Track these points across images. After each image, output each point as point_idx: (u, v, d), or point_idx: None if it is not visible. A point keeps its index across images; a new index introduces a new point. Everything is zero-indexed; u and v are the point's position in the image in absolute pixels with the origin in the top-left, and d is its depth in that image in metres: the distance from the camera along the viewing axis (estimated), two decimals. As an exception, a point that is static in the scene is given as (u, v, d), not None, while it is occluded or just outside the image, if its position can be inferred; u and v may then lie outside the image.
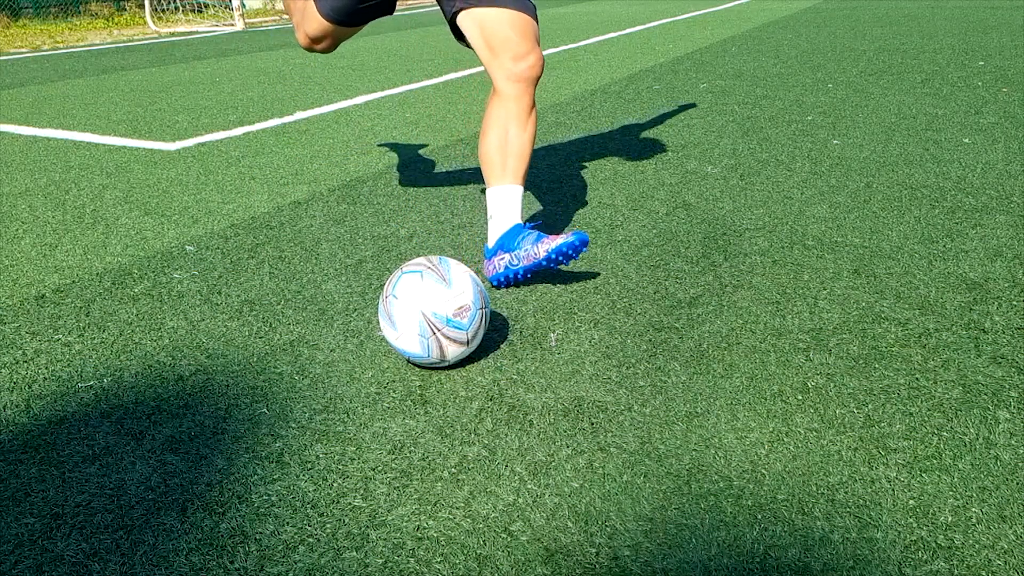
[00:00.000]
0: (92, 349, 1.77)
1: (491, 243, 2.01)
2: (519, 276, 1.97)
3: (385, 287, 1.66)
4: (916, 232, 2.35)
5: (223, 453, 1.39)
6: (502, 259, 1.97)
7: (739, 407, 1.49)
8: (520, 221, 1.99)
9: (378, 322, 1.81)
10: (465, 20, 2.00)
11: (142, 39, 9.13)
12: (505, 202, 1.99)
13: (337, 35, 2.23)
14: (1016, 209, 2.52)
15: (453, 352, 1.61)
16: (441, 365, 1.64)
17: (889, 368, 1.61)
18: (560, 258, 1.89)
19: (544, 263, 1.90)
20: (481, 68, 5.92)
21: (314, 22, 2.18)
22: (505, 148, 1.97)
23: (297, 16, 2.28)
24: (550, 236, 1.92)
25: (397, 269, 1.68)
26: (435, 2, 2.25)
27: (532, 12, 1.99)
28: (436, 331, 1.57)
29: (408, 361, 1.68)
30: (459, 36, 2.10)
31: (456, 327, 1.58)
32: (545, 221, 2.52)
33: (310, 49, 2.29)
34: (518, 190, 1.99)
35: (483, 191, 2.86)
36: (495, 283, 2.01)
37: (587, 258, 2.23)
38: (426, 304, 1.58)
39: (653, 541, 1.17)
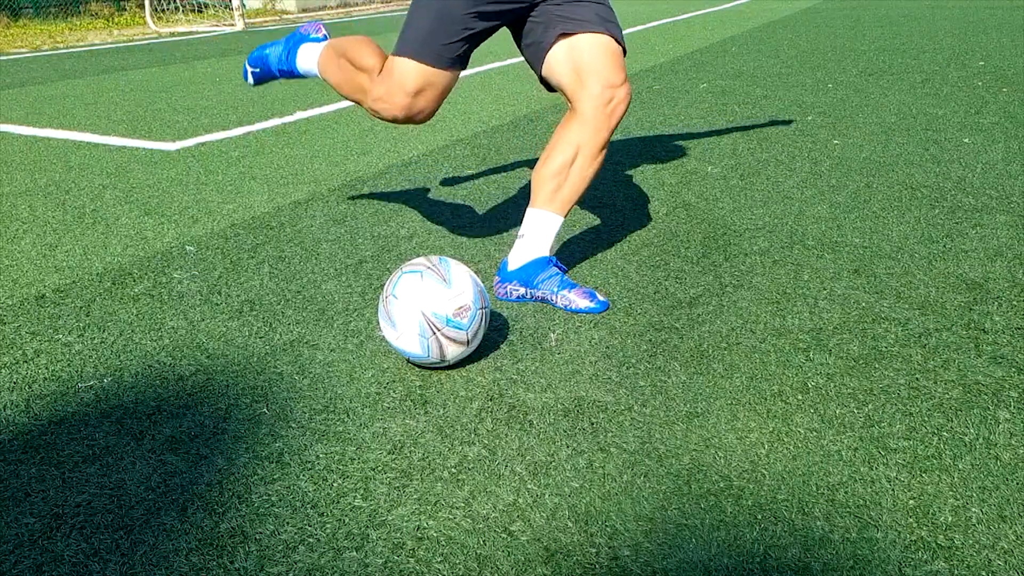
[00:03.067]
0: (92, 349, 1.77)
1: (512, 265, 1.95)
2: (529, 303, 1.96)
3: (385, 287, 1.66)
4: (916, 232, 2.35)
5: (223, 453, 1.39)
6: (516, 289, 1.95)
7: (739, 407, 1.49)
8: (548, 254, 1.94)
9: (378, 322, 1.81)
10: (557, 47, 1.85)
11: (142, 39, 9.13)
12: (542, 230, 1.93)
13: (438, 84, 1.86)
14: (1016, 209, 2.52)
15: (453, 352, 1.61)
16: (441, 365, 1.64)
17: (889, 368, 1.61)
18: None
19: (556, 306, 1.91)
20: (481, 68, 5.91)
21: (406, 74, 1.84)
22: (566, 174, 1.88)
23: (377, 88, 1.90)
24: (574, 291, 1.89)
25: (397, 269, 1.68)
26: (520, 53, 1.98)
27: (620, 37, 1.87)
28: (436, 331, 1.57)
29: (408, 361, 1.68)
30: (546, 83, 1.95)
31: (456, 327, 1.58)
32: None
33: (409, 118, 1.90)
34: (558, 221, 1.93)
35: (483, 191, 2.87)
36: (501, 300, 1.99)
37: (587, 258, 2.23)
38: (426, 304, 1.58)
39: (653, 541, 1.17)
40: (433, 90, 1.86)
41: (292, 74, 2.18)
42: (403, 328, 1.59)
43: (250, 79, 2.30)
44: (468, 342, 1.62)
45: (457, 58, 1.84)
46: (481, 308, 1.64)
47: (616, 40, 1.85)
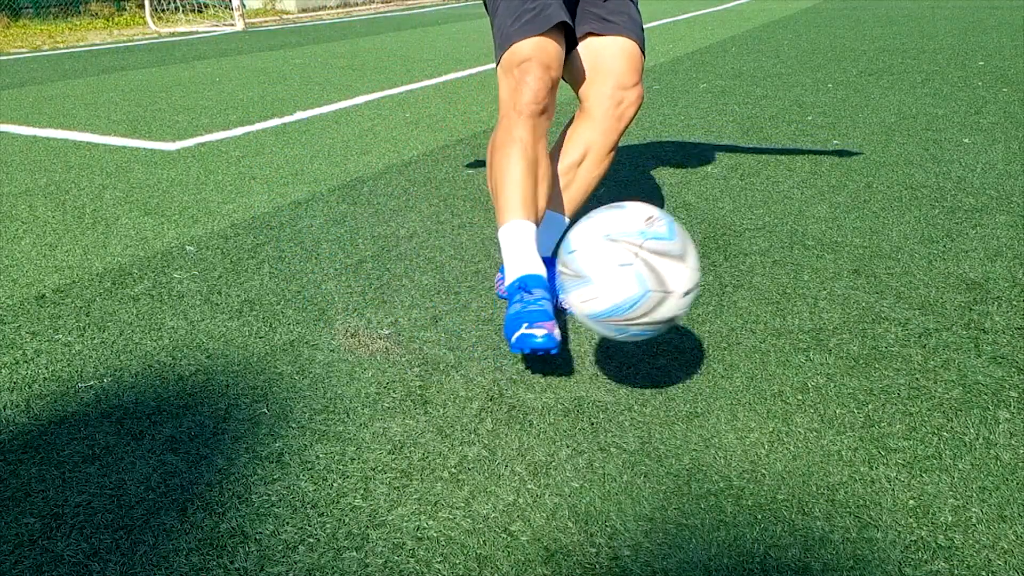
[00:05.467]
0: (92, 349, 1.77)
1: None
2: None
3: (557, 263, 1.42)
4: (916, 232, 2.35)
5: (223, 453, 1.39)
6: None
7: (739, 407, 1.49)
8: (550, 255, 1.90)
9: (567, 313, 1.69)
10: (581, 45, 1.81)
11: (142, 39, 9.13)
12: (546, 230, 1.90)
13: (543, 54, 1.66)
14: (1016, 209, 2.52)
15: (674, 273, 1.27)
16: (663, 307, 1.28)
17: (889, 368, 1.61)
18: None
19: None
20: (480, 68, 5.92)
21: (517, 53, 1.66)
22: (573, 174, 1.86)
23: (508, 83, 1.70)
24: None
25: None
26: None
27: (643, 45, 1.83)
28: (638, 249, 1.26)
29: (622, 325, 1.33)
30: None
31: (657, 237, 1.27)
32: (545, 221, 2.52)
33: (537, 101, 1.65)
34: (564, 222, 1.91)
35: (483, 191, 2.86)
36: (502, 298, 1.99)
37: (587, 258, 2.22)
38: (609, 227, 1.29)
39: (653, 541, 1.17)
40: (544, 64, 1.66)
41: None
42: (599, 272, 1.28)
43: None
44: (683, 256, 1.30)
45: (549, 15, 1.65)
46: (674, 220, 1.36)
47: (638, 45, 1.83)
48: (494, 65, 1.81)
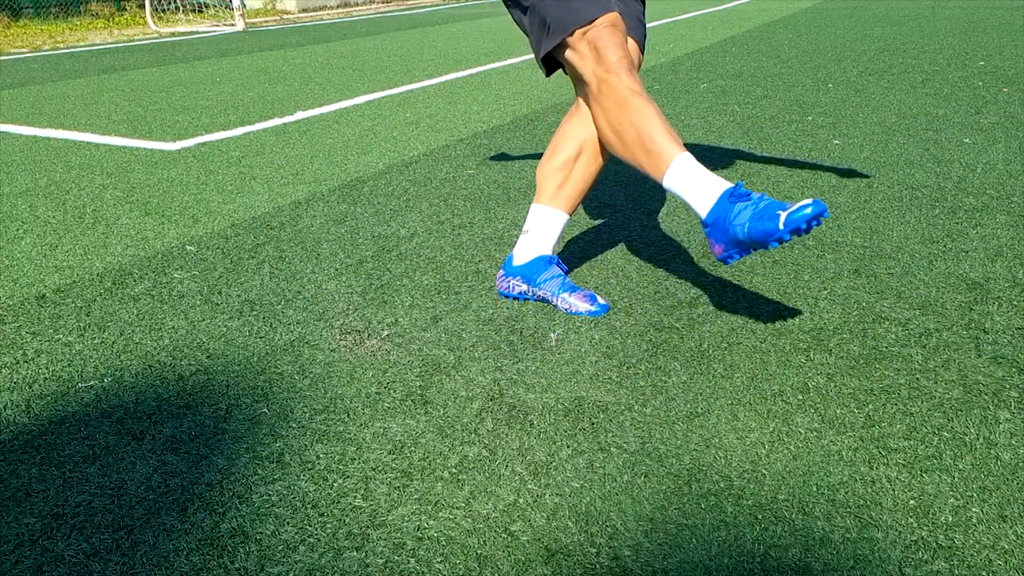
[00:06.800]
0: (92, 349, 1.77)
1: (517, 260, 1.94)
2: (530, 300, 1.96)
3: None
4: (916, 232, 2.35)
5: (223, 453, 1.39)
6: (519, 285, 1.94)
7: (739, 407, 1.49)
8: (552, 252, 1.94)
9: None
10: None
11: (142, 39, 9.13)
12: (546, 226, 1.92)
13: (616, 20, 1.67)
14: (1016, 209, 2.52)
15: None
16: None
17: (889, 368, 1.61)
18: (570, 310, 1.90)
19: (554, 305, 1.92)
20: (481, 68, 5.92)
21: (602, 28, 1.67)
22: (570, 170, 1.86)
23: (588, 53, 1.69)
24: (575, 294, 1.89)
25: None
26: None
27: (642, 43, 1.85)
28: None
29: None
30: (548, 66, 1.87)
31: None
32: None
33: (626, 55, 1.67)
34: (563, 218, 1.92)
35: (483, 191, 2.86)
36: (502, 295, 2.00)
37: (587, 258, 2.23)
38: None
39: (653, 541, 1.17)
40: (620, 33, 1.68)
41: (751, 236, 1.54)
42: None
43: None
44: None
45: None
46: None
47: (638, 44, 1.84)
48: (535, 56, 1.78)
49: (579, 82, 1.85)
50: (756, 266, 2.14)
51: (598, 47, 1.66)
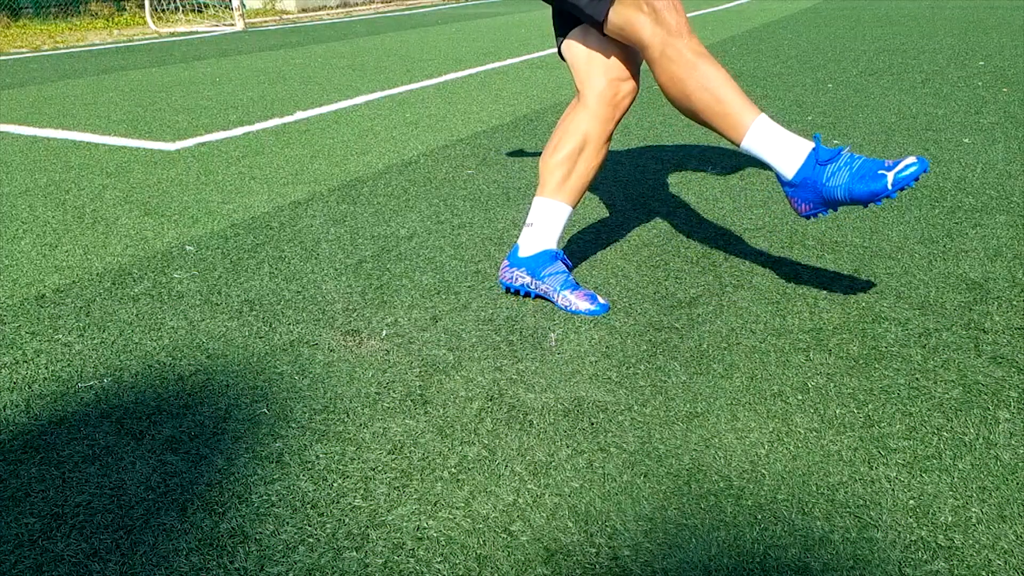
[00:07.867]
0: (92, 349, 1.77)
1: (523, 252, 1.94)
2: (530, 296, 1.97)
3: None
4: (916, 232, 2.35)
5: (223, 453, 1.39)
6: (522, 277, 1.94)
7: (739, 407, 1.49)
8: (557, 247, 1.95)
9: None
10: (587, 32, 1.85)
11: (142, 39, 9.13)
12: (551, 219, 1.92)
13: None
14: (1016, 209, 2.52)
15: None
16: None
17: (889, 368, 1.61)
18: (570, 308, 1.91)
19: (554, 302, 1.92)
20: (481, 68, 5.92)
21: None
22: (574, 163, 1.87)
23: (647, 18, 1.70)
24: (576, 292, 1.89)
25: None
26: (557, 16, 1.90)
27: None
28: None
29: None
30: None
31: None
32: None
33: (684, 19, 1.73)
34: (567, 211, 1.92)
35: (483, 191, 2.86)
36: (504, 287, 2.00)
37: (587, 258, 2.23)
38: None
39: (653, 541, 1.17)
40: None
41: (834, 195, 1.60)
42: None
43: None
44: None
45: None
46: None
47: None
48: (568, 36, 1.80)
49: (576, 75, 1.86)
50: (756, 266, 2.14)
51: (656, 8, 1.67)
